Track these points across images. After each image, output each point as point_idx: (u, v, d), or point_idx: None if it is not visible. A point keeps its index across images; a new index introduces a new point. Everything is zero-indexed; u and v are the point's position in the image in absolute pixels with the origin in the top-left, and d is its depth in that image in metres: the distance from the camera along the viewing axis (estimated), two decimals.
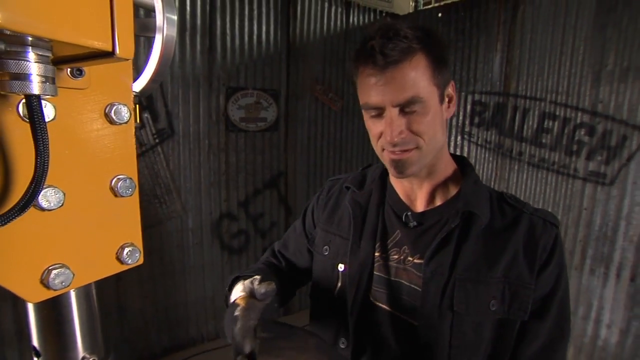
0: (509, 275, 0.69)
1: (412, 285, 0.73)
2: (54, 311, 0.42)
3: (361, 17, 3.30)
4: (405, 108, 0.65)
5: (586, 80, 2.28)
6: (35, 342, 0.42)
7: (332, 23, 3.14)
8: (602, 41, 2.20)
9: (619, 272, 2.21)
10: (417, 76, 0.64)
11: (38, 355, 0.42)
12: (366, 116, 0.72)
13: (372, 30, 0.65)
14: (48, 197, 0.34)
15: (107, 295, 2.37)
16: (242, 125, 2.79)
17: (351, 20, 3.24)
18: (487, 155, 2.82)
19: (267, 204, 3.05)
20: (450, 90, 0.72)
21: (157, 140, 2.46)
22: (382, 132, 0.69)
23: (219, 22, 2.59)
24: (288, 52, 2.94)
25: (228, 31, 2.63)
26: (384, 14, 3.41)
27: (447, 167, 0.78)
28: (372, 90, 0.66)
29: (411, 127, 0.67)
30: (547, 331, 0.70)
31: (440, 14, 3.10)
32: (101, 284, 0.42)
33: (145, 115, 2.37)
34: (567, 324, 0.73)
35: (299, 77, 3.03)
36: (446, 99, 0.72)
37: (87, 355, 0.44)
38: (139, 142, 2.35)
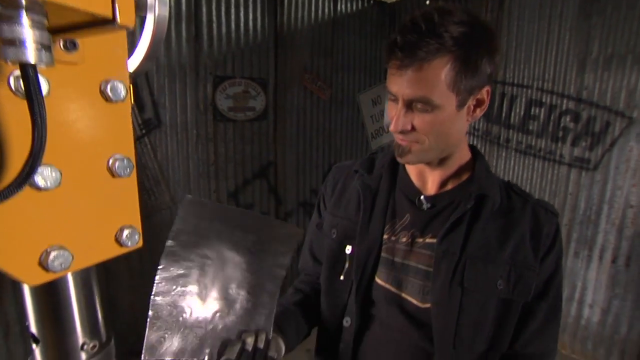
0: (516, 258, 0.71)
1: (420, 266, 0.75)
2: (52, 296, 0.41)
3: (349, 5, 3.27)
4: (414, 104, 0.66)
5: (571, 67, 2.33)
6: (33, 328, 0.41)
7: (320, 11, 3.10)
8: (586, 30, 2.24)
9: (602, 254, 2.29)
10: (433, 79, 0.62)
11: (37, 342, 0.41)
12: (389, 97, 0.72)
13: (409, 18, 0.63)
14: (44, 176, 0.32)
15: None
16: (230, 114, 2.75)
17: (339, 8, 3.21)
18: (475, 142, 2.86)
19: (257, 194, 3.03)
20: (483, 94, 0.69)
21: (144, 131, 2.40)
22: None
23: (204, 9, 2.52)
24: (276, 40, 2.89)
25: (214, 18, 2.57)
26: (371, 2, 3.39)
27: (462, 157, 0.79)
28: (391, 78, 0.67)
29: (416, 124, 0.67)
30: (544, 312, 0.74)
31: (427, 2, 3.09)
32: None
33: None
34: (560, 303, 0.77)
35: (287, 66, 2.99)
36: (471, 103, 0.69)
37: (88, 341, 0.43)
38: None
